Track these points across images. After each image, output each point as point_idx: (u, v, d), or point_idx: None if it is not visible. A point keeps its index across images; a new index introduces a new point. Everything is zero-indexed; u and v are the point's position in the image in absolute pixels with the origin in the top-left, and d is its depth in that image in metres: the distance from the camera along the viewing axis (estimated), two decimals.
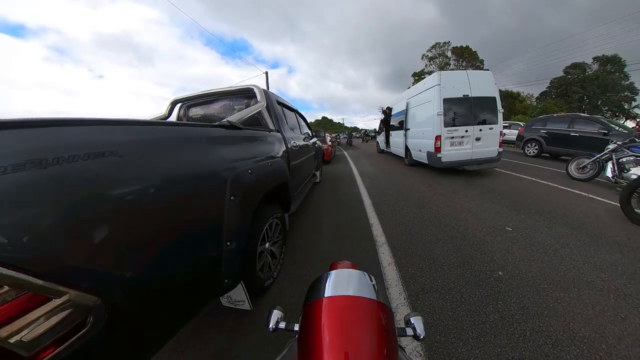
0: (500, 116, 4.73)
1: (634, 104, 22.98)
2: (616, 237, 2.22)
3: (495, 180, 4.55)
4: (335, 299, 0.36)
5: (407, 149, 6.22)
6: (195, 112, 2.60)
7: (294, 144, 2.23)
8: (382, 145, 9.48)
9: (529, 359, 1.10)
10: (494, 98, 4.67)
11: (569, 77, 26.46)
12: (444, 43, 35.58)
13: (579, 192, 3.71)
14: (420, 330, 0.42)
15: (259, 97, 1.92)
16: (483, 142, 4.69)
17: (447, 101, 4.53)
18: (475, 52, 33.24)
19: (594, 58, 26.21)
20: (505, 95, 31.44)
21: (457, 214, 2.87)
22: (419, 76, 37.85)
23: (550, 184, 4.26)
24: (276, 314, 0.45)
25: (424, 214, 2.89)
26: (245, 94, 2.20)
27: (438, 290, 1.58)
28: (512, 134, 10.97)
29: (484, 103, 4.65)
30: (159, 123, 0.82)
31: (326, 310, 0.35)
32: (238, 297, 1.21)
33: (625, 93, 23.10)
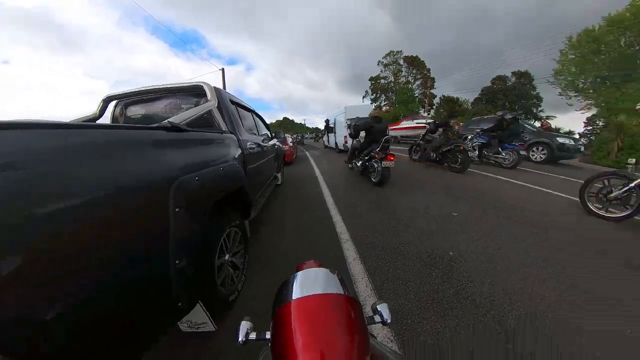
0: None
1: (539, 108, 30.88)
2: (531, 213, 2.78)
3: (433, 172, 5.55)
4: (303, 300, 0.36)
5: (335, 143, 11.35)
6: (135, 111, 2.29)
7: (251, 146, 2.13)
8: (326, 143, 13.90)
9: (480, 323, 1.32)
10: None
11: (495, 86, 33.05)
12: (397, 52, 38.39)
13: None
14: (386, 316, 0.45)
15: (209, 96, 1.78)
16: None
17: (349, 120, 9.35)
18: (423, 61, 36.68)
19: (512, 72, 32.89)
20: (447, 100, 35.51)
21: (410, 205, 3.13)
22: (375, 80, 40.14)
23: (487, 174, 5.29)
24: (245, 326, 0.44)
25: (381, 209, 3.09)
26: (194, 92, 2.02)
27: (400, 277, 1.72)
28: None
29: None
30: (79, 126, 0.68)
31: (296, 313, 0.35)
32: (198, 319, 1.09)
33: (534, 100, 30.64)
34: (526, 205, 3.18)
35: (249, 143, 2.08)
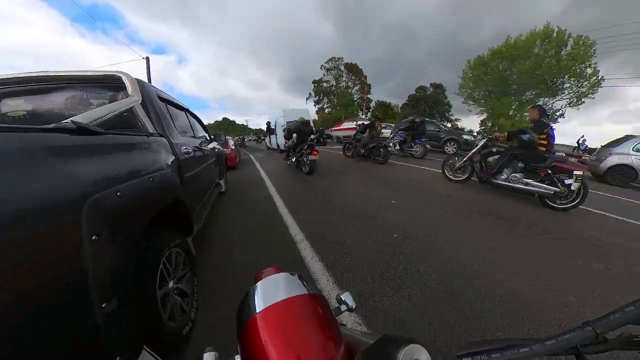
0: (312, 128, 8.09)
1: (450, 113, 38.74)
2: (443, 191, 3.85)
3: (363, 165, 6.89)
4: (269, 310, 0.35)
5: (277, 144, 11.56)
6: (16, 105, 1.74)
7: (187, 151, 1.87)
8: (269, 144, 14.19)
9: (429, 289, 1.62)
10: (309, 121, 8.71)
11: (418, 94, 39.26)
12: (338, 58, 40.67)
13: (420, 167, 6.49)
14: (351, 303, 0.47)
15: (130, 90, 1.47)
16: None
17: (287, 123, 9.54)
18: (361, 69, 39.87)
19: (430, 84, 39.46)
20: (381, 105, 39.66)
21: (354, 201, 3.38)
22: (318, 83, 41.38)
23: (403, 163, 6.86)
24: (209, 357, 0.40)
25: (329, 205, 3.26)
26: (109, 84, 1.64)
27: (356, 265, 1.87)
28: (387, 132, 14.64)
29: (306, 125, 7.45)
30: None
31: (263, 325, 0.33)
32: None
33: (446, 107, 38.07)
34: (420, 179, 5.10)
35: (184, 147, 1.83)
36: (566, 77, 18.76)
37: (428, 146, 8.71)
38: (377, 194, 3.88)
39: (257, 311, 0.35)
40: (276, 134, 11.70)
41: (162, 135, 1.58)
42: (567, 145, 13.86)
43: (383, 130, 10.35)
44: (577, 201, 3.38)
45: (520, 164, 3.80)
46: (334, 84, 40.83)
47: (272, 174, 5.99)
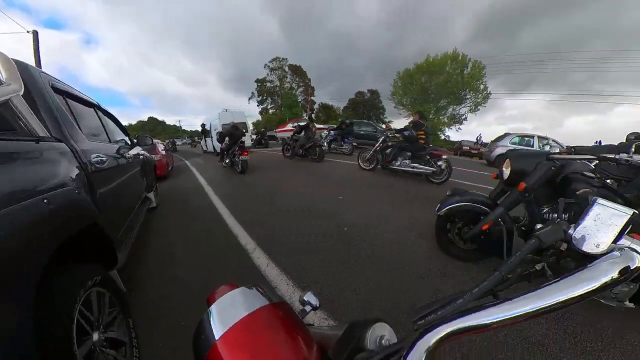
0: (249, 131, 9.44)
1: (384, 115, 42.81)
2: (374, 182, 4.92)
3: (301, 163, 7.38)
4: (229, 333, 0.32)
5: (213, 147, 11.26)
6: None
7: (99, 160, 1.46)
8: (204, 147, 13.96)
9: (376, 270, 1.86)
10: (245, 123, 10.00)
11: (357, 98, 41.99)
12: (283, 59, 40.01)
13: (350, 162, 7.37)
14: (315, 302, 0.46)
15: (4, 75, 1.05)
16: (247, 141, 8.64)
17: (222, 126, 9.75)
18: (305, 71, 40.22)
19: (368, 89, 42.60)
20: (324, 107, 41.02)
21: (298, 200, 3.42)
22: (262, 83, 39.94)
23: (337, 160, 7.82)
24: None
25: (274, 206, 3.30)
26: None
27: (313, 264, 1.90)
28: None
29: (240, 126, 7.68)
30: None
31: (227, 352, 0.30)
32: None
33: (381, 110, 42.05)
34: (346, 170, 6.26)
35: (94, 155, 1.43)
36: (467, 90, 24.73)
37: (355, 144, 9.79)
38: (319, 191, 4.23)
39: (216, 337, 0.31)
40: (212, 137, 11.65)
41: (59, 140, 1.19)
42: (470, 141, 17.16)
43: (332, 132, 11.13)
44: (446, 177, 5.07)
45: (408, 153, 5.30)
46: (278, 84, 40.08)
47: (213, 180, 5.43)
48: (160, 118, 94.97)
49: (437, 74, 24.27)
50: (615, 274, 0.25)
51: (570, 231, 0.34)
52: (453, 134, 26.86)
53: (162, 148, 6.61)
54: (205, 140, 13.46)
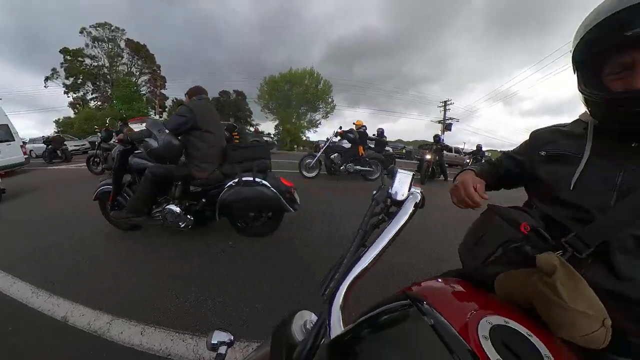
0: (14, 134, 6.70)
1: (251, 118, 42.22)
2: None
3: None
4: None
5: None
6: None
7: None
8: None
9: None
10: (7, 125, 6.69)
11: (221, 98, 38.54)
12: (117, 29, 28.85)
13: None
14: (227, 338, 0.49)
15: None
16: (4, 153, 6.36)
17: None
18: (153, 55, 31.22)
19: (234, 90, 40.13)
20: (180, 104, 34.99)
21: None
22: (73, 55, 27.17)
23: None
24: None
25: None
26: None
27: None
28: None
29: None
30: None
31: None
32: None
33: (248, 112, 41.07)
34: None
35: None
36: (320, 101, 30.58)
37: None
38: None
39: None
40: None
41: None
42: (322, 140, 21.77)
43: None
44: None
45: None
46: (107, 64, 28.96)
47: None
48: None
49: (298, 85, 27.78)
50: (412, 207, 0.47)
51: (390, 190, 0.50)
52: (311, 136, 31.95)
53: None
54: None
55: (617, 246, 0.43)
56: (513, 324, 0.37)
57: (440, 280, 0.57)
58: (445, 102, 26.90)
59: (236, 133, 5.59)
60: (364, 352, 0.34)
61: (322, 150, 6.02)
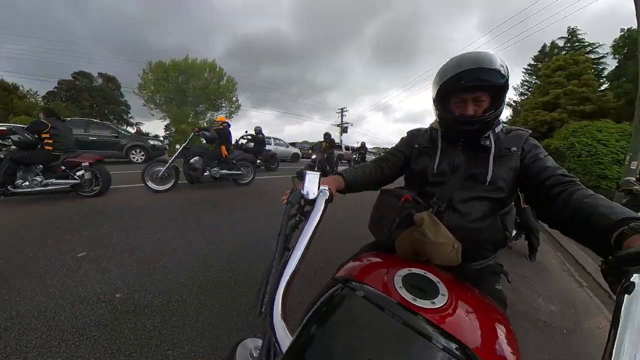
0: None
1: (129, 115, 30.73)
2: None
3: None
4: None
5: None
6: None
7: None
8: None
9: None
10: None
11: (78, 83, 27.17)
12: None
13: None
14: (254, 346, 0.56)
15: None
16: None
17: None
18: None
19: (99, 73, 29.52)
20: (1, 88, 22.18)
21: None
22: None
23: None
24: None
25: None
26: None
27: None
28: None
29: None
30: None
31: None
32: None
33: (124, 107, 30.46)
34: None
35: None
36: (223, 99, 25.56)
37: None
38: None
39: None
40: None
41: None
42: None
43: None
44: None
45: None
46: None
47: None
48: None
49: (196, 78, 23.13)
50: (324, 203, 0.59)
51: (302, 191, 0.59)
52: None
53: None
54: None
55: (456, 199, 0.73)
56: (414, 270, 0.53)
57: (360, 258, 0.67)
58: (342, 109, 33.14)
59: (47, 133, 3.31)
60: (319, 350, 0.36)
61: (175, 155, 4.46)
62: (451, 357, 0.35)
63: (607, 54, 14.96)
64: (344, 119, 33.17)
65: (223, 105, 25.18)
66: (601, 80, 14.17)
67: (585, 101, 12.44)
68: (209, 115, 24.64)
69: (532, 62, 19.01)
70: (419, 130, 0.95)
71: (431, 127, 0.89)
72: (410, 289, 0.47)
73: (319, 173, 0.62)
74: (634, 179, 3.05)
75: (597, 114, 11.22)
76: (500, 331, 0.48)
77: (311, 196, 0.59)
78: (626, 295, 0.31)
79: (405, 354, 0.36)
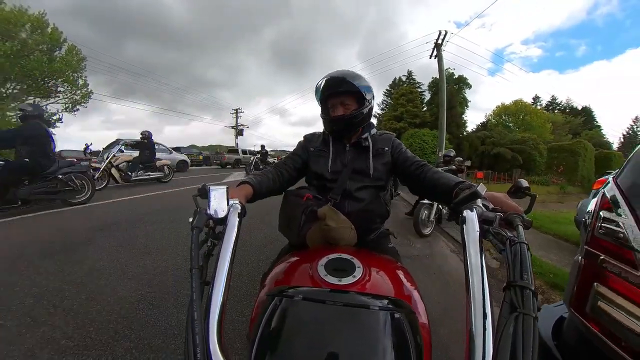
0: None
1: None
2: None
3: None
4: None
5: None
6: None
7: None
8: None
9: None
10: None
11: None
12: None
13: None
14: None
15: None
16: None
17: None
18: None
19: None
20: None
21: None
22: None
23: None
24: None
25: None
26: None
27: None
28: None
29: None
30: None
31: None
32: None
33: None
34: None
35: None
36: (60, 80, 16.73)
37: None
38: None
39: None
40: None
41: None
42: (76, 150, 14.84)
43: None
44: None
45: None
46: None
47: None
48: None
49: (4, 33, 14.84)
50: (237, 218, 0.53)
51: (210, 212, 0.50)
52: None
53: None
54: None
55: (352, 189, 0.89)
56: (331, 256, 0.59)
57: (280, 263, 0.69)
58: (237, 110, 31.68)
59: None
60: None
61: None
62: (387, 311, 0.43)
63: (426, 89, 23.02)
64: (239, 121, 31.78)
65: (59, 89, 16.89)
66: (423, 105, 21.87)
67: (415, 117, 19.24)
68: (30, 101, 14.33)
69: (388, 88, 26.52)
70: (313, 134, 1.07)
71: (324, 132, 1.02)
72: (334, 273, 0.53)
73: (225, 187, 0.54)
74: (441, 160, 4.96)
75: (421, 125, 17.66)
76: (402, 274, 0.62)
77: (221, 214, 0.52)
78: (463, 225, 0.48)
79: (357, 328, 0.41)
